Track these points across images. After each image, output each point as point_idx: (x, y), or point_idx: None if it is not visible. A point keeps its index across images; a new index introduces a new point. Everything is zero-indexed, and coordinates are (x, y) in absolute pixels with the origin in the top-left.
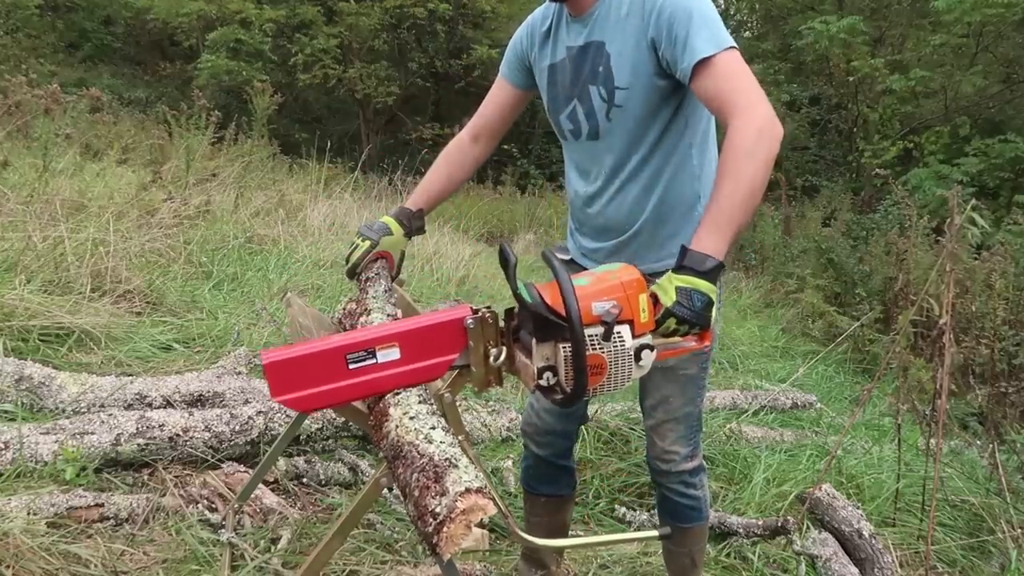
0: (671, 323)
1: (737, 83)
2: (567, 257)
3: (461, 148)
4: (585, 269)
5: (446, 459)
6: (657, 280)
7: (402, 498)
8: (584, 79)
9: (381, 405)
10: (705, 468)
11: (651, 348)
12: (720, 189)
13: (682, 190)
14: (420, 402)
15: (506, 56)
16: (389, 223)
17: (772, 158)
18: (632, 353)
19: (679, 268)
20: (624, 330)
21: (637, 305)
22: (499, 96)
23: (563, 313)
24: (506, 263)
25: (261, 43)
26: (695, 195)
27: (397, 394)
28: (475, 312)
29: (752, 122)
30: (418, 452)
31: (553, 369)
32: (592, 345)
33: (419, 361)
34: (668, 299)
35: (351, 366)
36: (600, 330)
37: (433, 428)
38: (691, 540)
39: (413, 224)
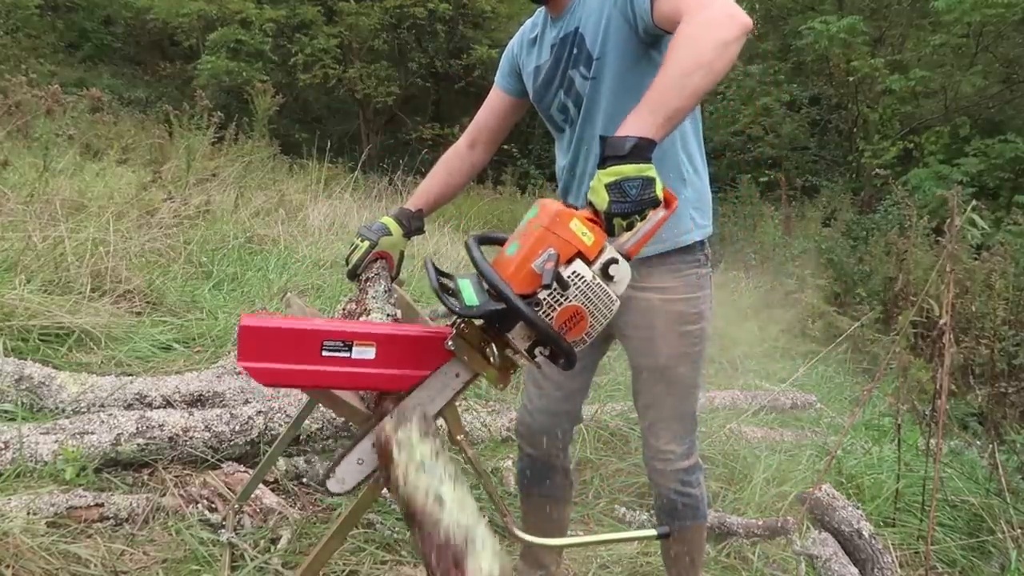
0: (618, 223)
1: None
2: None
3: (458, 154)
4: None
5: (463, 539)
6: (591, 184)
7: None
8: (564, 67)
9: (384, 440)
10: (702, 467)
11: (616, 260)
12: (658, 75)
13: (665, 172)
14: (423, 437)
15: (500, 64)
16: (388, 223)
17: (725, 41)
18: (599, 281)
19: (602, 163)
20: (577, 266)
21: (573, 234)
22: (494, 103)
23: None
24: (435, 279)
25: (261, 43)
26: (680, 177)
27: (399, 427)
28: (452, 326)
29: (699, 14)
30: (431, 521)
31: (539, 342)
32: (555, 302)
33: (391, 368)
34: (602, 201)
35: (324, 353)
36: (552, 286)
37: (441, 482)
38: (690, 539)
39: (412, 224)
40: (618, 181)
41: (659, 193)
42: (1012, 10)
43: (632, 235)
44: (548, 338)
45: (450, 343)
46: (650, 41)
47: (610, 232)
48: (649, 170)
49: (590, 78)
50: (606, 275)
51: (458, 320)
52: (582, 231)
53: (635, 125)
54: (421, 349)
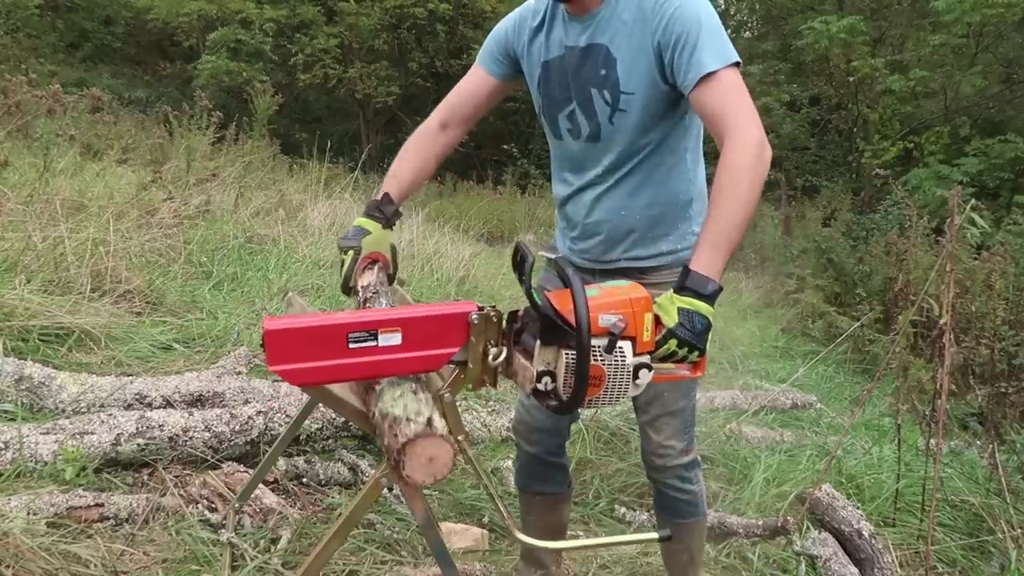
0: (671, 344)
1: (736, 103)
2: (555, 255)
3: (430, 136)
4: (576, 267)
5: None
6: (657, 299)
7: None
8: (585, 81)
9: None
10: (701, 463)
11: (649, 368)
12: (719, 208)
13: (675, 190)
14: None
15: (487, 46)
16: (363, 224)
17: (763, 181)
18: (631, 370)
19: (681, 289)
20: (626, 346)
21: (642, 323)
22: (475, 84)
23: (572, 320)
24: (523, 262)
25: (261, 43)
26: (688, 195)
27: None
28: (480, 309)
29: (748, 144)
30: None
31: (552, 375)
32: (594, 356)
33: (419, 350)
34: (670, 320)
35: (351, 345)
36: (604, 342)
37: None
38: (689, 536)
39: (386, 212)
40: (691, 311)
41: (707, 344)
42: (1012, 10)
43: (660, 366)
44: (579, 374)
45: (475, 317)
46: (676, 95)
47: (658, 345)
48: (713, 316)
49: (619, 109)
50: (635, 372)
51: (488, 307)
52: (647, 326)
53: (712, 266)
54: (447, 327)
